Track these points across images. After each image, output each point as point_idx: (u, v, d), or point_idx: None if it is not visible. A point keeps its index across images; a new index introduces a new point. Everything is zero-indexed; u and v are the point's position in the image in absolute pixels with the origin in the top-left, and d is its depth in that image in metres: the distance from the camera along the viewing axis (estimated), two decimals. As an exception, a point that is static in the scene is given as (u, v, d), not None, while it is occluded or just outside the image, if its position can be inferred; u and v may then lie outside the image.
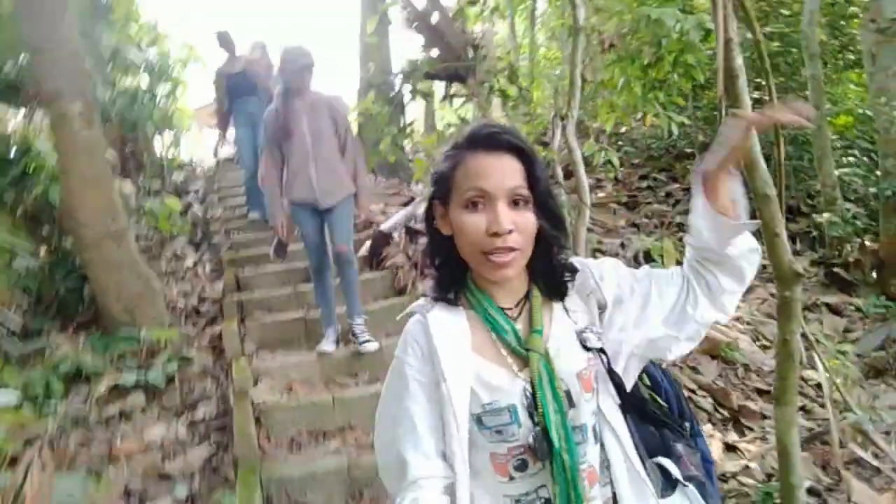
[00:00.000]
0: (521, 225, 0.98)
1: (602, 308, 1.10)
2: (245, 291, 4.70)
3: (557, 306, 1.09)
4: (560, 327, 1.07)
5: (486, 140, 1.00)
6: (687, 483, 1.08)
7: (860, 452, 3.00)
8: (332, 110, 3.75)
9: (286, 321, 4.19)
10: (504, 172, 0.98)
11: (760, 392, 3.76)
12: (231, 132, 6.61)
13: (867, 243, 5.34)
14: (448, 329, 1.05)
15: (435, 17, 4.73)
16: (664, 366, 1.29)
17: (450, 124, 5.38)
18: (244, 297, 4.57)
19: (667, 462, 1.09)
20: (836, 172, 5.94)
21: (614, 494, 1.02)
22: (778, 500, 2.45)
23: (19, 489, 2.14)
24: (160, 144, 8.56)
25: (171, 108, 8.43)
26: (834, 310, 5.01)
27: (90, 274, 4.55)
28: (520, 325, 1.05)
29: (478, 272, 1.05)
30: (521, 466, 0.99)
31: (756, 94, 6.62)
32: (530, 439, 0.97)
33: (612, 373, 1.06)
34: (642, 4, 5.65)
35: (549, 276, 1.08)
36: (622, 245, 5.32)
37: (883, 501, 2.82)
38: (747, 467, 2.82)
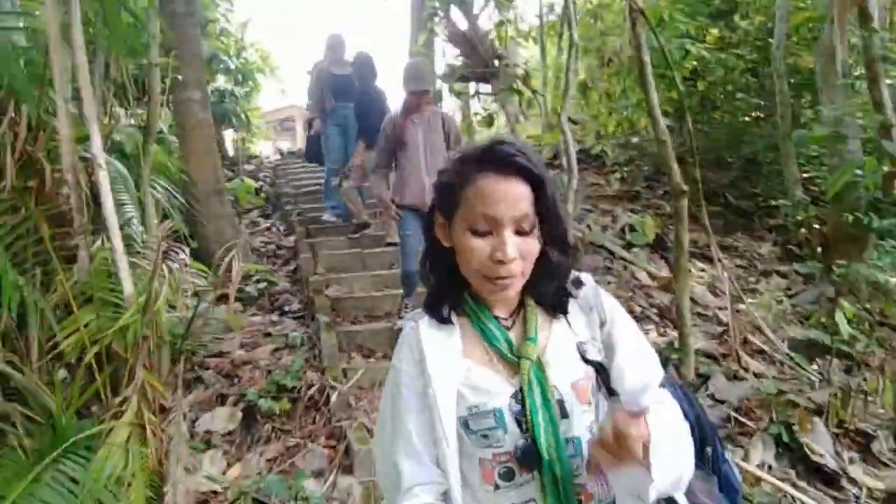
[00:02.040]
0: (524, 251, 0.98)
1: (603, 323, 1.10)
2: (312, 238, 6.11)
3: (559, 318, 1.09)
4: (560, 338, 1.07)
5: (498, 161, 0.97)
6: None
7: (755, 341, 4.21)
8: (447, 126, 4.03)
9: (346, 254, 5.59)
10: (513, 199, 0.96)
11: (702, 316, 4.96)
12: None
13: (816, 226, 6.48)
14: (439, 336, 1.06)
15: (470, 34, 6.14)
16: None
17: (476, 113, 6.75)
18: (312, 241, 5.99)
19: None
20: (806, 175, 7.17)
21: None
22: (676, 346, 3.70)
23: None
24: (237, 137, 10.19)
25: (247, 108, 10.06)
26: (783, 275, 6.19)
27: (198, 223, 5.95)
28: (514, 335, 1.06)
29: (477, 289, 1.06)
30: (508, 475, 0.99)
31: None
32: (517, 445, 0.97)
33: (609, 389, 1.05)
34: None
35: (551, 296, 1.08)
36: (613, 219, 6.58)
37: (766, 369, 4.02)
38: (671, 343, 4.03)
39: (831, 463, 2.85)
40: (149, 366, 2.63)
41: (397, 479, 1.01)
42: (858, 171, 4.40)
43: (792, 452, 2.93)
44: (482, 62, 6.08)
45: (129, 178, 2.76)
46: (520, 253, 0.97)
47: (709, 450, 1.15)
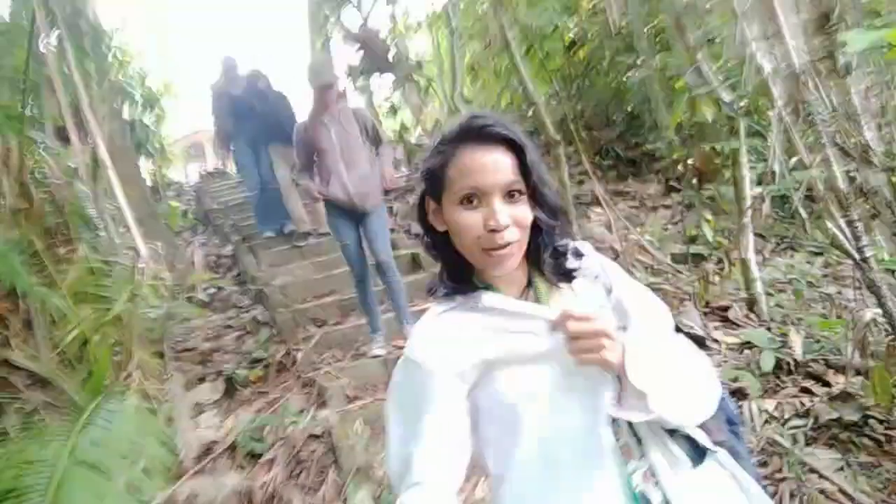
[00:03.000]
0: (517, 218, 0.99)
1: (609, 290, 1.11)
2: (250, 241, 6.57)
3: (566, 290, 1.10)
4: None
5: (477, 133, 0.99)
6: (716, 448, 1.06)
7: (644, 259, 5.06)
8: (360, 120, 3.87)
9: (284, 250, 6.10)
10: (497, 167, 0.98)
11: (600, 250, 5.78)
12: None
13: (689, 161, 7.48)
14: (458, 321, 1.07)
15: (364, 35, 6.75)
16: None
17: (379, 105, 7.39)
18: (251, 244, 6.46)
19: (693, 430, 1.05)
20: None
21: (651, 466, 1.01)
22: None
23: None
24: (153, 167, 10.36)
25: (157, 134, 10.26)
26: (668, 207, 7.16)
27: (140, 243, 6.33)
28: None
29: (479, 267, 1.07)
30: None
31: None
32: None
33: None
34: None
35: (552, 263, 1.09)
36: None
37: (653, 279, 4.85)
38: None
39: (698, 330, 3.67)
40: (141, 346, 3.14)
41: (408, 470, 0.99)
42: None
43: (669, 329, 3.74)
44: (378, 57, 6.70)
45: (91, 197, 3.23)
46: (512, 220, 0.99)
47: None
